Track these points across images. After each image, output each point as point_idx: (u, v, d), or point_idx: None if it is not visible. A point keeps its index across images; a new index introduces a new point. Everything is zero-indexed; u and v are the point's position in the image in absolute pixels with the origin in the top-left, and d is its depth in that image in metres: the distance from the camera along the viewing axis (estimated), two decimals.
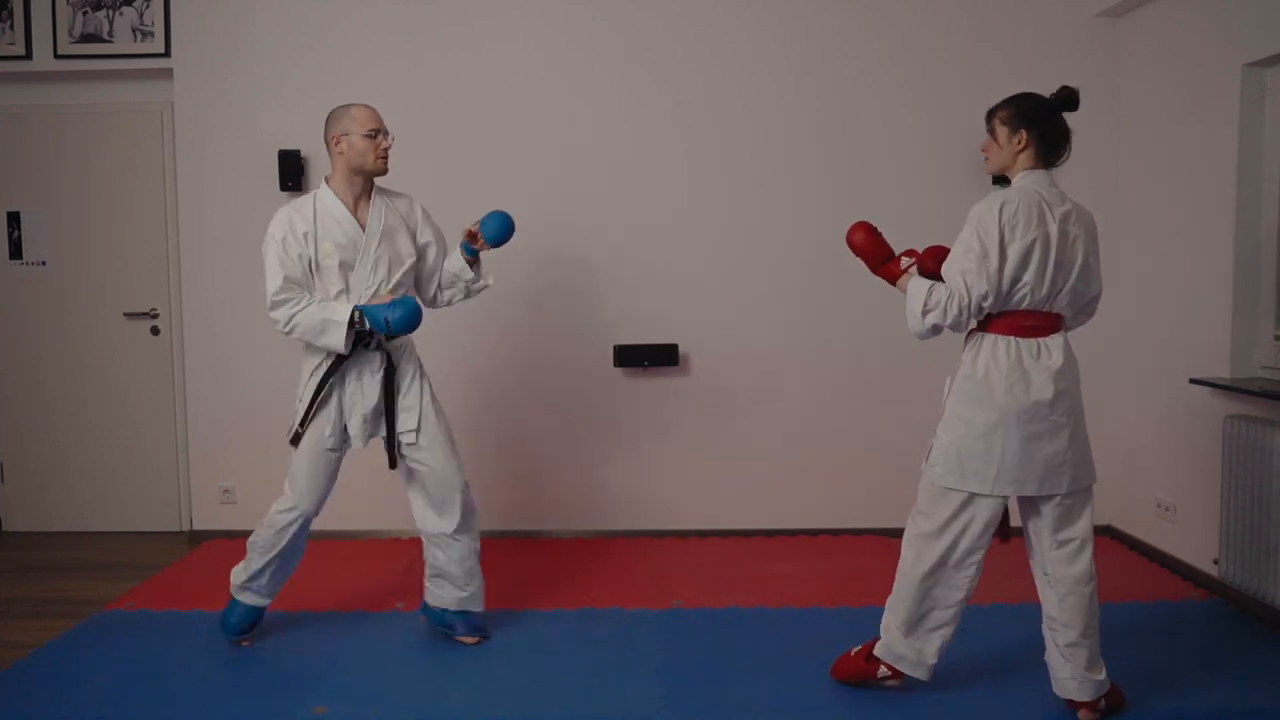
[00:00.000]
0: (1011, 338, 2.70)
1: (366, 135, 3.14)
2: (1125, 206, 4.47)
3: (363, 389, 3.23)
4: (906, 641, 2.89)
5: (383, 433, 3.26)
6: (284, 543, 3.30)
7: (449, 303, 3.39)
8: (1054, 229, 2.65)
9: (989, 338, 2.73)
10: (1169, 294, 4.15)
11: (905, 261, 2.84)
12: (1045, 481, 2.71)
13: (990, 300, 2.66)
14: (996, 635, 3.34)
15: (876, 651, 2.95)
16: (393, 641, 3.41)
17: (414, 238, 3.29)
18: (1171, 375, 4.06)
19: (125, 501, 4.81)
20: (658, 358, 4.57)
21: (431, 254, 3.34)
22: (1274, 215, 3.71)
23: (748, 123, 4.56)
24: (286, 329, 3.15)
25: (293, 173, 4.50)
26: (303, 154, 4.52)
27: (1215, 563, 3.78)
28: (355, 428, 3.25)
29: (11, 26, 4.60)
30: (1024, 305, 2.68)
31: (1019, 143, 2.73)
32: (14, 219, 4.75)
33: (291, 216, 3.16)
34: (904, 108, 4.52)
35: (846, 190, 4.54)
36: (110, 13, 4.58)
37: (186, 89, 4.59)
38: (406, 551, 4.37)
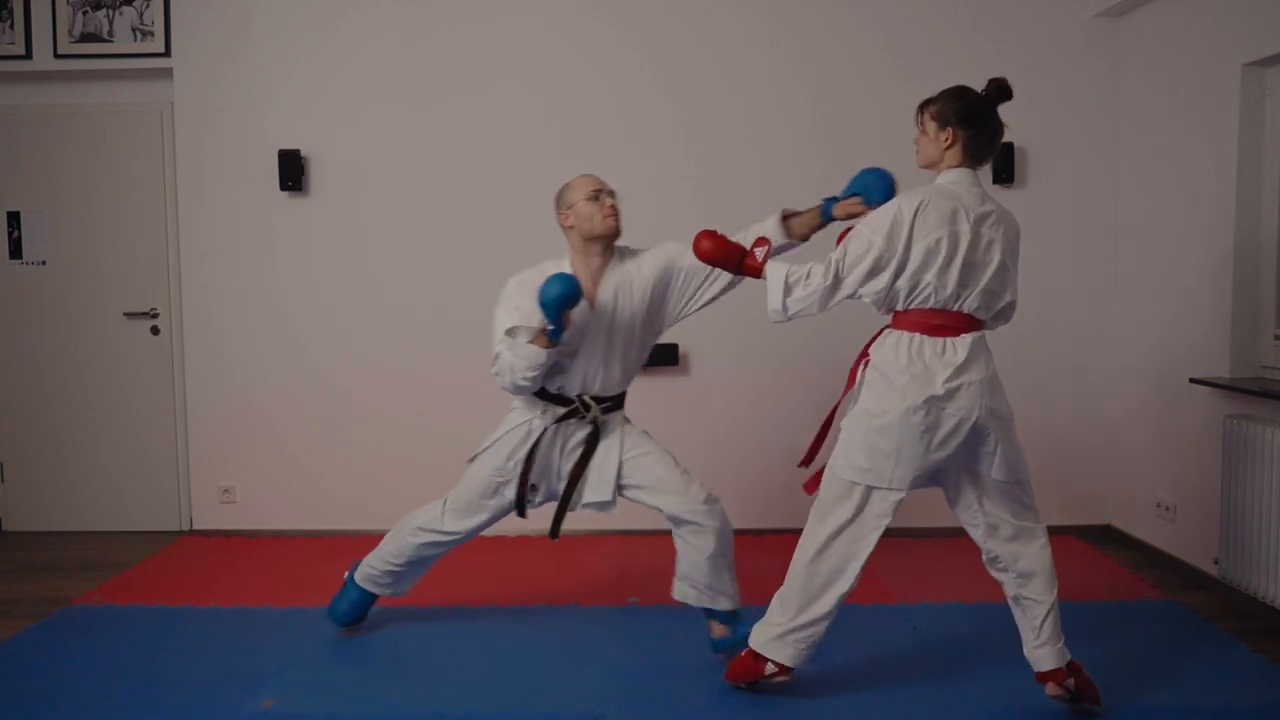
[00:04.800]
0: (916, 334, 2.67)
1: (589, 199, 3.03)
2: (1125, 206, 4.47)
3: (557, 457, 3.13)
4: (786, 633, 2.82)
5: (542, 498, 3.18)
6: (417, 557, 3.26)
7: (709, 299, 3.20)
8: (964, 229, 2.62)
9: (894, 333, 2.72)
10: (1169, 294, 4.15)
11: (760, 252, 2.81)
12: (942, 474, 2.71)
13: (859, 279, 2.64)
14: (953, 633, 3.38)
15: (753, 645, 2.88)
16: (351, 638, 3.41)
17: (652, 291, 3.11)
18: (1171, 375, 4.06)
19: (125, 501, 4.81)
20: (658, 357, 4.55)
21: (689, 279, 3.17)
22: (1274, 215, 3.71)
23: (748, 120, 4.56)
24: (496, 371, 2.99)
25: (292, 173, 4.50)
26: (303, 154, 4.53)
27: (1215, 563, 3.78)
28: (539, 494, 3.15)
29: (11, 26, 4.59)
30: (929, 304, 2.65)
31: (947, 140, 2.70)
32: (14, 219, 4.75)
33: (525, 282, 3.01)
34: (904, 108, 4.47)
35: None
36: (110, 12, 4.58)
37: (186, 89, 4.59)
38: None
